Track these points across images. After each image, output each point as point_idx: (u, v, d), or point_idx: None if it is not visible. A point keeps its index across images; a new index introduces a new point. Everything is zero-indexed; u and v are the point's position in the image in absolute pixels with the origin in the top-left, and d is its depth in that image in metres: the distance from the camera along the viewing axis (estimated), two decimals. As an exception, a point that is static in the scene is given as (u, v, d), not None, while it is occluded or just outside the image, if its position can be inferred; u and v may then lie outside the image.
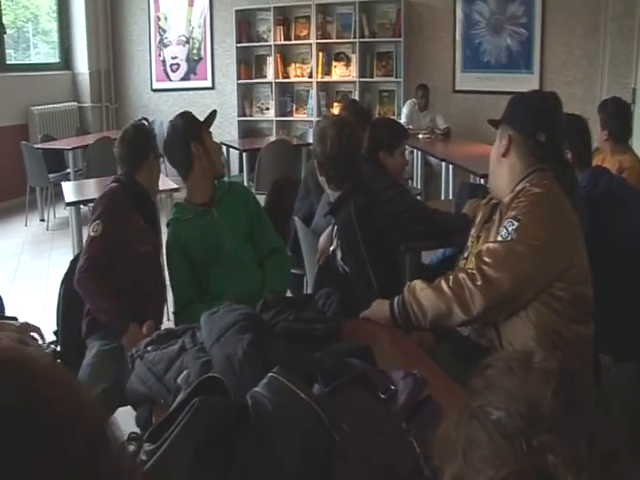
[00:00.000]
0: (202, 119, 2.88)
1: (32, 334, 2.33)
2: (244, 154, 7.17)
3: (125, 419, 2.79)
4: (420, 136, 7.25)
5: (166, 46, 9.44)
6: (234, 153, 7.73)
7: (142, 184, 2.85)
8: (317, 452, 1.28)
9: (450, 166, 6.50)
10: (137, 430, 3.05)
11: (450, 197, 6.45)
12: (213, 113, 2.90)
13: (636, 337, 2.87)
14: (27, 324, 2.38)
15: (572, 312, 2.11)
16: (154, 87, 9.57)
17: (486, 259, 2.08)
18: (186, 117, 2.86)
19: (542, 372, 0.79)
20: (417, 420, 1.39)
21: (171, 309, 3.01)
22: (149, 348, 1.92)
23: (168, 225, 2.87)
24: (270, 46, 8.65)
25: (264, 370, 1.46)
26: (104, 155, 7.20)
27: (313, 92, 8.59)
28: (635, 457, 0.76)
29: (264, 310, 2.03)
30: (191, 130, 2.80)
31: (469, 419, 0.79)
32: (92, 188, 5.34)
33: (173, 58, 9.42)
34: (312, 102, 8.61)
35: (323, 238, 2.94)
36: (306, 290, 3.81)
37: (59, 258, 5.79)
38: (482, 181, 5.21)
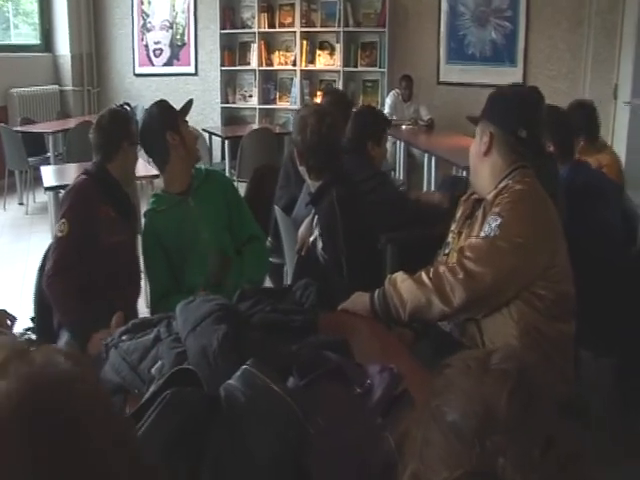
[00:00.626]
0: (181, 107, 2.85)
1: (7, 322, 2.31)
2: (226, 142, 7.11)
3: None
4: (403, 127, 7.25)
5: (149, 30, 9.33)
6: (216, 140, 7.67)
7: (114, 173, 2.79)
8: (290, 445, 1.27)
9: (433, 157, 6.51)
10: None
11: (432, 188, 6.46)
12: (189, 102, 2.87)
13: (615, 332, 2.88)
14: (4, 312, 2.34)
15: (554, 310, 2.11)
16: (137, 72, 9.46)
17: (468, 254, 2.07)
18: (161, 106, 2.81)
19: (499, 373, 0.77)
20: (393, 415, 1.38)
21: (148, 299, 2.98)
22: (124, 337, 1.89)
23: (145, 216, 2.84)
24: (254, 33, 8.58)
25: (239, 362, 1.44)
26: (85, 139, 7.00)
27: (297, 80, 8.55)
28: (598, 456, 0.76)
29: (241, 300, 2.00)
30: (167, 119, 2.75)
31: (427, 419, 0.78)
32: (72, 173, 5.26)
33: (156, 43, 9.32)
34: (295, 90, 8.57)
35: (303, 228, 2.92)
36: (286, 280, 3.79)
37: (38, 242, 5.69)
38: (464, 173, 5.22)
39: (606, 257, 2.82)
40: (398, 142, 7.40)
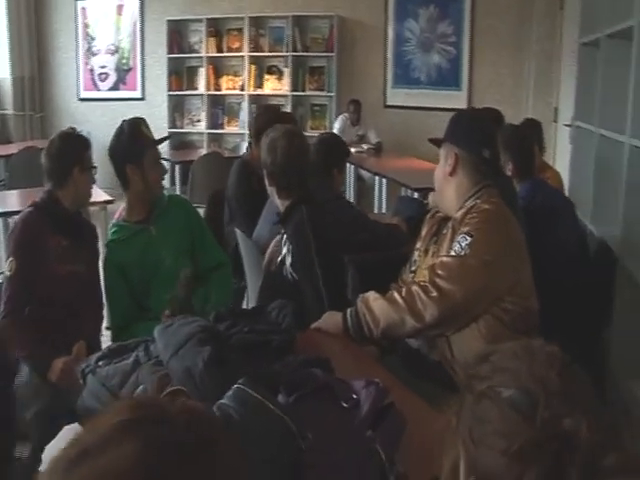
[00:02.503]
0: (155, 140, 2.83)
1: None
2: (177, 166, 7.09)
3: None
4: (352, 150, 7.34)
5: (94, 54, 9.25)
6: (165, 165, 7.61)
7: (65, 201, 2.70)
8: (286, 462, 1.29)
9: (383, 180, 6.63)
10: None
11: (383, 210, 6.58)
12: (166, 138, 2.89)
13: (566, 344, 2.99)
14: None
15: (520, 324, 2.19)
16: (81, 96, 9.36)
17: (440, 272, 2.14)
18: (131, 133, 2.75)
19: (546, 356, 0.85)
20: (381, 427, 1.42)
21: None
22: (100, 363, 1.89)
23: (106, 246, 2.84)
24: (202, 57, 8.61)
25: (225, 382, 1.46)
26: (28, 165, 6.94)
27: (245, 105, 8.59)
28: None
29: (217, 322, 2.02)
30: (131, 151, 2.71)
31: (477, 399, 0.83)
32: (15, 200, 5.16)
33: (102, 67, 9.24)
34: (244, 115, 8.61)
35: (274, 244, 2.95)
36: (247, 301, 3.80)
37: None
38: (416, 195, 5.34)
39: (562, 274, 2.94)
40: (348, 165, 7.50)
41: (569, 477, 0.74)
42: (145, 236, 2.78)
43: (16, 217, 2.78)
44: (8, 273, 2.57)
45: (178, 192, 6.88)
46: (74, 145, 2.75)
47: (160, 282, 2.74)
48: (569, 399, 0.79)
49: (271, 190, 2.75)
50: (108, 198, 4.88)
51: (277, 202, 2.76)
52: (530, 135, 3.41)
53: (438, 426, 0.90)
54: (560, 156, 5.87)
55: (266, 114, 3.78)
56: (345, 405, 1.49)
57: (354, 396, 1.51)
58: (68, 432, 2.32)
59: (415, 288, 2.16)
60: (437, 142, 2.37)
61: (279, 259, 2.77)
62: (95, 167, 2.80)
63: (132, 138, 2.75)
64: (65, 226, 2.69)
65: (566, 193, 4.02)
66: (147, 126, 2.83)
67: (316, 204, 2.71)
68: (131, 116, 2.83)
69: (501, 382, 0.82)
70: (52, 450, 2.27)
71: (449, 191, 2.31)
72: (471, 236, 2.13)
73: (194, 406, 0.73)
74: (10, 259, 2.57)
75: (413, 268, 2.43)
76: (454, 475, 0.85)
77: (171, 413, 0.69)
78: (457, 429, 0.84)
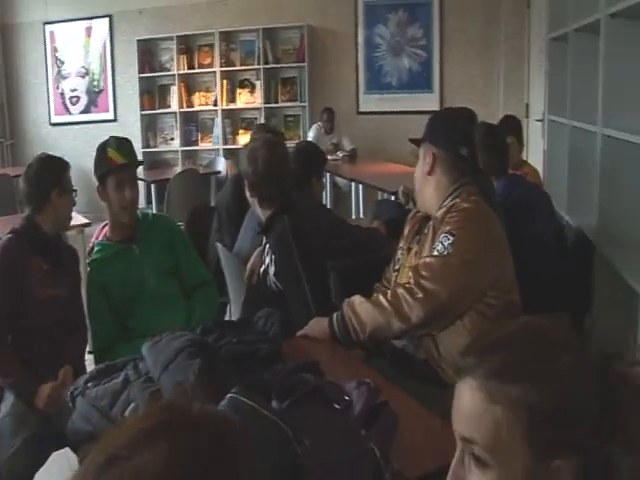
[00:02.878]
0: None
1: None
2: (152, 186, 7.07)
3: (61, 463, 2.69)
4: (328, 158, 7.36)
5: (65, 78, 9.21)
6: (140, 185, 7.59)
7: (45, 225, 2.68)
8: (283, 466, 1.29)
9: (360, 186, 6.66)
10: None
11: (361, 216, 6.61)
12: (139, 163, 2.92)
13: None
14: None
15: (504, 318, 2.20)
16: (53, 121, 9.31)
17: (424, 273, 2.16)
18: (97, 155, 2.79)
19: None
20: (375, 426, 1.43)
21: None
22: (89, 384, 1.87)
23: (89, 265, 2.83)
24: (174, 75, 8.59)
25: (217, 393, 1.46)
26: (2, 193, 6.92)
27: (218, 120, 8.60)
28: None
29: (205, 335, 2.01)
30: (97, 173, 2.77)
31: None
32: (-11, 226, 5.10)
33: (72, 90, 9.20)
34: (217, 130, 8.61)
35: (255, 256, 2.95)
36: (229, 316, 3.79)
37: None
38: (393, 197, 5.37)
39: (541, 266, 2.97)
40: (324, 173, 7.53)
41: None
42: (128, 255, 2.78)
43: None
44: None
45: (154, 211, 6.87)
46: (52, 168, 2.72)
47: (144, 301, 2.74)
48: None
49: (252, 200, 2.76)
50: (85, 221, 4.85)
51: (258, 212, 2.76)
52: (504, 132, 3.46)
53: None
54: (533, 151, 5.94)
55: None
56: (337, 407, 1.50)
57: (346, 397, 1.51)
58: (58, 457, 2.30)
59: (400, 291, 2.18)
60: (417, 142, 2.40)
61: (262, 269, 2.77)
62: (75, 190, 2.79)
63: (97, 160, 2.78)
64: (45, 250, 2.67)
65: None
66: (119, 147, 2.77)
67: (297, 213, 2.72)
68: (104, 138, 2.82)
69: None
70: (43, 476, 2.25)
71: (428, 190, 2.33)
72: (453, 235, 2.15)
73: (212, 409, 0.77)
74: None
75: (397, 267, 2.45)
76: None
77: (194, 416, 0.71)
78: None
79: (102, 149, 2.77)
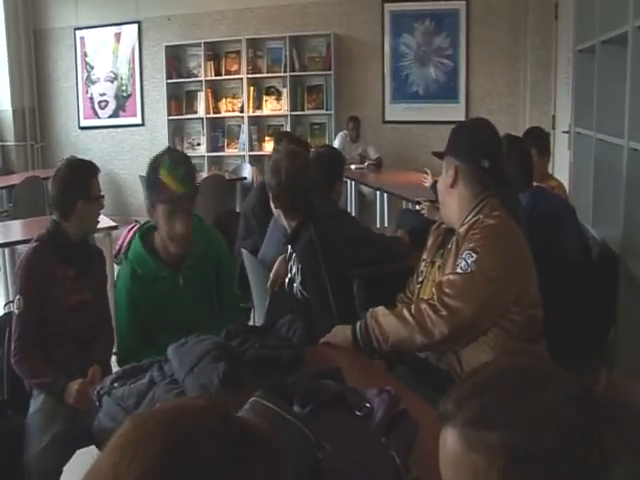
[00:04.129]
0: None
1: None
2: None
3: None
4: (353, 167, 7.40)
5: (94, 83, 9.35)
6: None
7: (71, 232, 2.68)
8: (304, 471, 1.31)
9: (385, 195, 6.68)
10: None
11: (385, 224, 6.62)
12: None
13: (573, 347, 3.02)
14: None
15: (526, 333, 2.22)
16: (82, 125, 9.46)
17: (447, 290, 2.16)
18: (156, 178, 2.54)
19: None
20: (395, 434, 1.44)
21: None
22: (116, 384, 1.91)
23: (124, 260, 2.70)
24: (201, 81, 8.69)
25: (241, 397, 1.48)
26: (32, 195, 7.04)
27: (244, 127, 8.66)
28: None
29: (228, 339, 2.04)
30: (149, 196, 2.59)
31: None
32: (19, 229, 5.20)
33: (101, 95, 9.34)
34: (244, 137, 8.68)
35: (277, 265, 2.97)
36: (253, 321, 3.82)
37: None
38: (417, 207, 5.38)
39: (566, 279, 2.96)
40: (348, 182, 7.56)
41: None
42: (171, 283, 2.63)
43: (21, 247, 2.77)
44: (17, 311, 2.58)
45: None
46: (79, 176, 2.68)
47: (173, 327, 2.56)
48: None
49: (277, 212, 2.77)
50: (112, 224, 4.91)
51: (284, 222, 2.77)
52: (533, 142, 3.46)
53: None
54: (559, 163, 5.91)
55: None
56: (359, 413, 1.51)
57: (367, 404, 1.53)
58: (83, 455, 2.35)
59: (424, 306, 2.18)
60: (440, 155, 2.41)
61: (287, 278, 2.78)
62: (102, 196, 2.76)
63: (148, 180, 2.59)
64: (71, 256, 2.68)
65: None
66: (174, 170, 2.50)
67: (322, 221, 2.73)
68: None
69: None
70: (69, 472, 2.29)
71: (452, 203, 2.34)
72: (476, 252, 2.15)
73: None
74: (18, 297, 2.58)
75: (420, 279, 2.46)
76: None
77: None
78: None
79: (154, 169, 2.52)
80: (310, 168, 2.77)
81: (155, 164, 2.53)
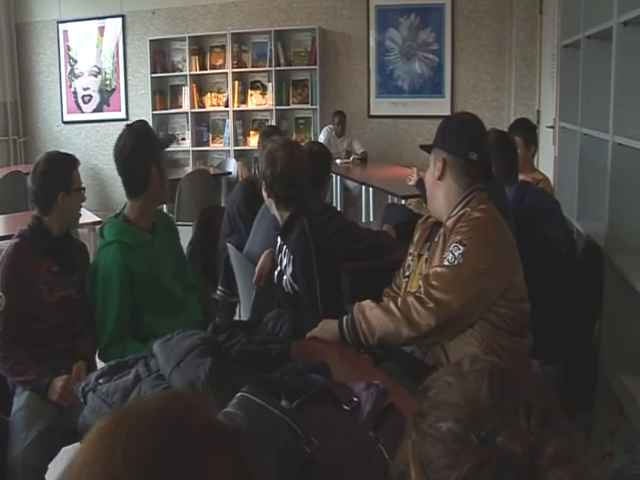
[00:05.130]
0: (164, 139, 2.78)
1: None
2: (163, 184, 7.10)
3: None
4: (338, 161, 7.40)
5: (77, 77, 9.26)
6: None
7: (52, 226, 2.66)
8: (292, 466, 1.31)
9: (370, 189, 6.68)
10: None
11: (371, 219, 6.62)
12: (172, 137, 2.84)
13: (558, 340, 3.04)
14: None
15: (513, 326, 2.23)
16: (65, 119, 9.37)
17: (434, 282, 2.16)
18: (150, 134, 2.73)
19: (474, 374, 0.87)
20: (384, 428, 1.44)
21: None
22: (101, 380, 1.89)
23: (105, 246, 2.66)
24: (185, 76, 8.64)
25: (227, 392, 1.48)
26: (14, 190, 6.97)
27: (229, 121, 8.62)
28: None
29: (215, 334, 2.03)
30: (154, 151, 2.66)
31: (422, 439, 0.86)
32: (1, 225, 5.15)
33: (85, 89, 9.25)
34: (229, 131, 8.64)
35: (264, 257, 2.95)
36: (239, 316, 3.82)
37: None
38: (403, 202, 5.38)
39: (552, 273, 2.97)
40: (334, 176, 7.55)
41: None
42: (151, 249, 2.68)
43: (3, 242, 2.74)
44: None
45: (165, 210, 6.90)
46: (58, 169, 2.66)
47: (156, 299, 2.67)
48: (500, 411, 0.81)
49: (269, 201, 2.75)
50: (97, 219, 4.89)
51: (275, 213, 2.76)
52: (514, 137, 3.47)
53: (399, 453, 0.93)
54: (543, 158, 5.93)
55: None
56: (347, 408, 1.51)
57: (355, 399, 1.53)
58: (68, 452, 2.32)
59: (411, 299, 2.18)
60: (427, 148, 2.41)
61: (277, 271, 2.77)
62: (83, 188, 2.75)
63: (151, 139, 2.71)
64: (54, 251, 2.66)
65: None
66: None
67: (314, 215, 2.72)
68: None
69: (438, 417, 0.84)
70: (51, 471, 2.27)
71: (439, 196, 2.34)
72: (464, 245, 2.15)
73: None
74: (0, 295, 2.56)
75: (407, 273, 2.46)
76: None
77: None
78: (414, 463, 0.86)
79: (149, 128, 2.78)
80: (305, 161, 2.74)
81: (148, 127, 2.78)
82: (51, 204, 2.63)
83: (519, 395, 0.83)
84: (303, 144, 3.88)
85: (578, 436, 0.81)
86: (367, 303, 2.27)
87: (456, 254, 2.15)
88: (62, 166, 2.69)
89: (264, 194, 2.75)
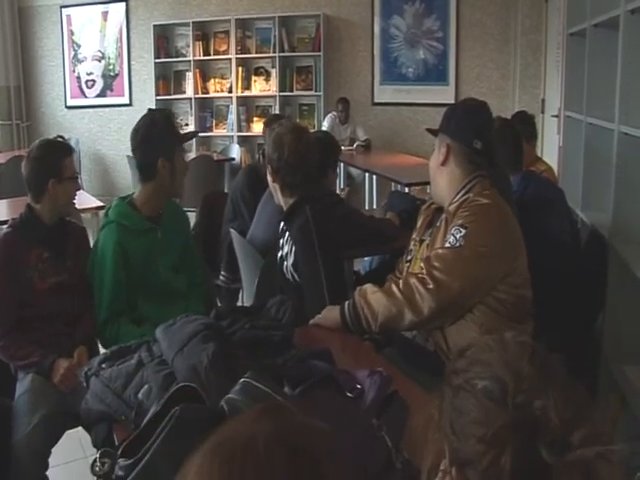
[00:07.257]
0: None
1: None
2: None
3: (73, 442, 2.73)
4: (342, 148, 7.36)
5: (81, 62, 9.22)
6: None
7: (43, 214, 2.64)
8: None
9: (374, 176, 6.66)
10: (83, 452, 2.99)
11: (374, 206, 6.62)
12: (194, 133, 2.81)
13: (561, 330, 3.03)
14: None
15: (514, 313, 2.23)
16: (68, 104, 9.34)
17: (436, 264, 2.17)
18: (165, 126, 2.66)
19: (517, 345, 0.89)
20: (387, 415, 1.44)
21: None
22: (104, 365, 1.89)
23: (106, 225, 2.68)
24: (189, 61, 8.60)
25: (230, 378, 1.48)
26: (17, 175, 6.93)
27: (233, 107, 8.60)
28: None
29: (217, 320, 2.03)
30: (165, 144, 2.64)
31: (455, 393, 0.87)
32: (4, 209, 5.14)
33: (88, 74, 9.22)
34: (232, 117, 8.62)
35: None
36: (242, 302, 3.82)
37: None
38: (407, 189, 5.38)
39: (556, 262, 2.97)
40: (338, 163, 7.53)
41: (540, 454, 0.77)
42: (152, 237, 2.69)
43: (5, 227, 2.73)
44: None
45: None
46: (50, 155, 2.64)
47: (152, 288, 2.67)
48: (540, 382, 0.83)
49: (274, 186, 2.72)
50: (100, 204, 4.88)
51: (279, 199, 2.73)
52: (519, 127, 3.44)
53: (419, 420, 0.93)
54: (548, 147, 5.92)
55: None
56: (350, 395, 1.51)
57: (358, 386, 1.53)
58: (71, 436, 2.34)
59: (413, 280, 2.18)
60: (433, 132, 2.41)
61: (278, 256, 2.75)
62: (77, 175, 2.74)
63: (167, 131, 2.66)
64: (46, 238, 2.65)
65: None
66: (176, 120, 2.76)
67: (318, 203, 2.69)
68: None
69: (476, 374, 0.86)
70: (55, 454, 2.28)
71: (442, 181, 2.34)
72: (465, 228, 2.16)
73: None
74: None
75: (409, 258, 2.46)
76: (436, 467, 0.89)
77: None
78: (439, 423, 0.88)
79: (169, 120, 2.71)
80: (313, 148, 2.70)
81: (168, 119, 2.71)
82: (42, 191, 2.61)
83: (556, 381, 0.85)
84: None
85: (608, 426, 0.83)
86: (369, 287, 2.27)
87: (457, 236, 2.16)
88: (54, 153, 2.66)
89: (269, 178, 2.72)
